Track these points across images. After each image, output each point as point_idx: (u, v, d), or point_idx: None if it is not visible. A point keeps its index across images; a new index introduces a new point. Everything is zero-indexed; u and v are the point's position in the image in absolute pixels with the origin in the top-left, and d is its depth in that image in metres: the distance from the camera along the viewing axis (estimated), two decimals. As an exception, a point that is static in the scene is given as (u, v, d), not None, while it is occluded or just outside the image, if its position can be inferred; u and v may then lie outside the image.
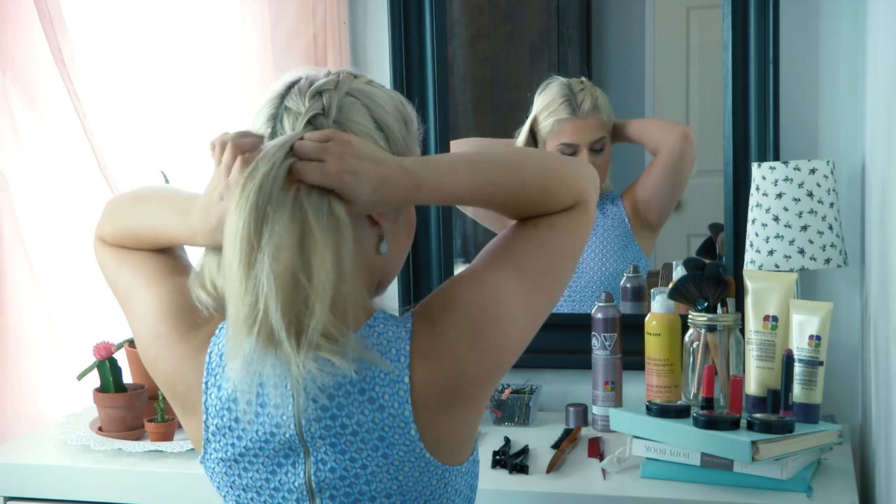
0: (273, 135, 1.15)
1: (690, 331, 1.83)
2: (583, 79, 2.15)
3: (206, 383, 1.18)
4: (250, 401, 1.14)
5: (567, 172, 1.23)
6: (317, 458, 1.15)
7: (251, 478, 1.18)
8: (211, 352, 1.18)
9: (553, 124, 2.13)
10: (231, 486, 1.21)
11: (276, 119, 1.15)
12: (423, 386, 1.12)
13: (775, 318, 1.73)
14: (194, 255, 1.22)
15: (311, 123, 1.14)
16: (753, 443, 1.53)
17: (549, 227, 1.21)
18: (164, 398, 1.91)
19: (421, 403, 1.12)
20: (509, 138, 2.19)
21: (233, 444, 1.17)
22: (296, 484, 1.16)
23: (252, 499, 1.20)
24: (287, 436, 1.14)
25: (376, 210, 1.15)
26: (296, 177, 1.08)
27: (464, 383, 1.14)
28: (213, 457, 1.20)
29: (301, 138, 1.10)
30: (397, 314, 1.19)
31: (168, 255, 1.28)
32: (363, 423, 1.12)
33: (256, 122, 1.18)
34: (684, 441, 1.62)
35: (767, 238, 1.82)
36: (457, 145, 2.19)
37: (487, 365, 1.15)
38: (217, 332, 1.19)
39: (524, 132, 2.17)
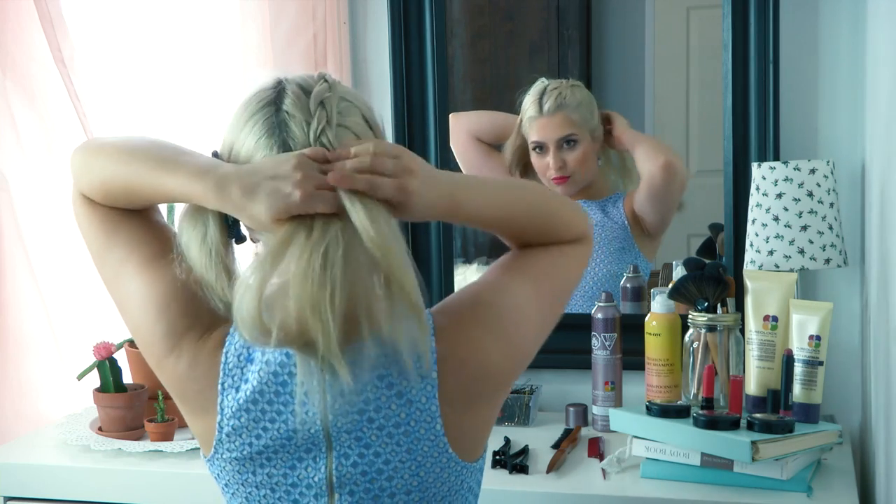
0: (283, 142, 1.14)
1: (690, 331, 1.82)
2: (563, 80, 2.16)
3: (223, 384, 1.17)
4: (271, 400, 1.15)
5: (572, 211, 1.31)
6: (339, 452, 1.16)
7: (266, 474, 1.18)
8: (227, 352, 1.17)
9: (527, 122, 2.17)
10: (242, 484, 1.20)
11: (280, 126, 1.14)
12: (450, 383, 1.15)
13: (775, 318, 1.73)
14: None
15: (324, 132, 1.14)
16: (753, 443, 1.53)
17: (560, 253, 1.28)
18: (164, 398, 1.91)
19: (447, 399, 1.15)
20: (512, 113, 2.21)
21: (250, 444, 1.17)
22: (315, 479, 1.17)
23: (265, 495, 1.19)
24: (312, 431, 1.15)
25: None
26: (351, 185, 1.10)
27: (488, 382, 1.19)
28: (224, 457, 1.19)
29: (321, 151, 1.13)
30: None
31: (156, 225, 1.24)
32: (390, 417, 1.14)
33: (250, 132, 1.16)
34: (684, 441, 1.62)
35: (767, 238, 1.82)
36: (460, 115, 2.20)
37: (511, 365, 1.21)
38: (232, 331, 1.17)
39: (514, 132, 2.19)
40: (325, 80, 1.18)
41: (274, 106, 1.15)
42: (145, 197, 1.20)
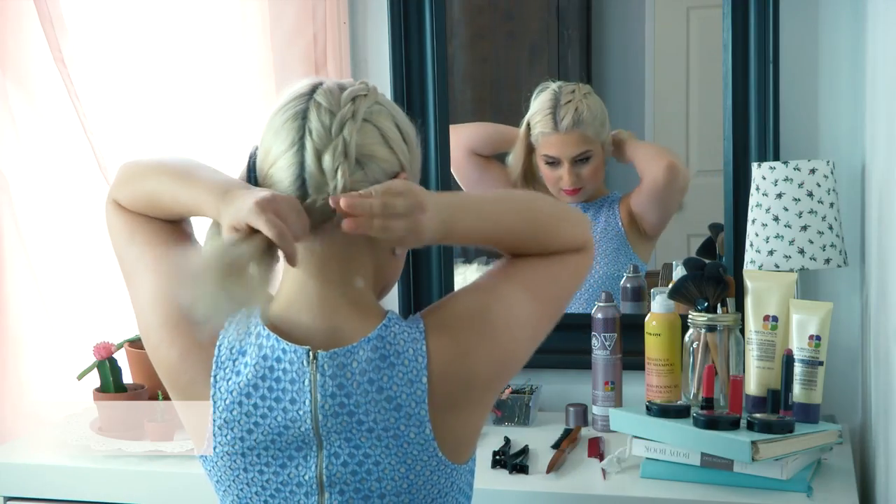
0: (301, 128, 1.16)
1: (690, 331, 1.83)
2: (575, 88, 2.14)
3: (216, 377, 1.19)
4: (265, 395, 1.16)
5: (572, 221, 1.30)
6: (330, 451, 1.17)
7: (258, 471, 1.19)
8: (220, 345, 1.19)
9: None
10: (233, 481, 1.21)
11: (304, 113, 1.17)
12: (440, 386, 1.16)
13: (775, 318, 1.73)
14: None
15: (346, 123, 1.16)
16: (753, 443, 1.53)
17: (560, 261, 1.28)
18: (164, 398, 1.91)
19: (437, 403, 1.16)
20: (513, 126, 2.19)
21: (242, 438, 1.18)
22: (306, 477, 1.18)
23: (256, 493, 1.20)
24: (302, 430, 1.16)
25: None
26: (367, 231, 1.14)
27: (477, 385, 1.19)
28: (217, 450, 1.20)
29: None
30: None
31: (181, 232, 1.28)
32: (379, 421, 1.15)
33: (276, 121, 1.19)
34: (684, 441, 1.62)
35: (767, 238, 1.82)
36: (456, 129, 2.18)
37: (500, 369, 1.21)
38: (226, 325, 1.20)
39: (520, 136, 2.17)
40: (366, 84, 1.22)
41: (307, 95, 1.19)
42: (165, 208, 1.26)
